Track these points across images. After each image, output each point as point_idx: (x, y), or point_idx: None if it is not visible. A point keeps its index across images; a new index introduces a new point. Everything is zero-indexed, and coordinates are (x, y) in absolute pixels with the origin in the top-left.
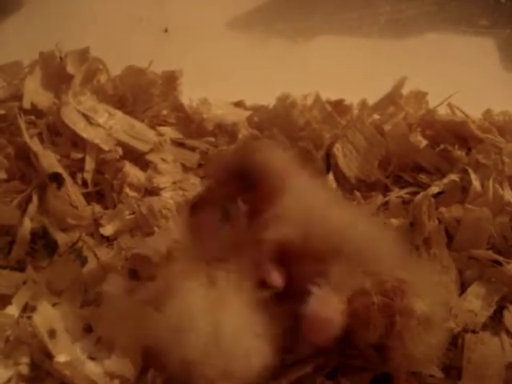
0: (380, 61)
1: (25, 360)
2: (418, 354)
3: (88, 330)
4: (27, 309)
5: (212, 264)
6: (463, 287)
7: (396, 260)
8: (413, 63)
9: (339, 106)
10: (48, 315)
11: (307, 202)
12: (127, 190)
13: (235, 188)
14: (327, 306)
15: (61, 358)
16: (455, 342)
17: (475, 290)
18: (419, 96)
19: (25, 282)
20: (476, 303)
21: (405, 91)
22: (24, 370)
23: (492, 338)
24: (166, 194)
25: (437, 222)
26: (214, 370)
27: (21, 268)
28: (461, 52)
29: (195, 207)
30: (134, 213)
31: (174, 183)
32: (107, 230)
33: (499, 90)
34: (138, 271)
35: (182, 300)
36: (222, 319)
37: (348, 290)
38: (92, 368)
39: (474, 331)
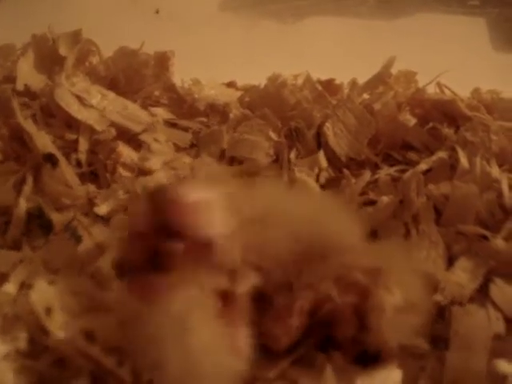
0: (370, 40)
1: (23, 336)
2: (398, 337)
3: (84, 307)
4: (24, 286)
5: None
6: (451, 261)
7: (365, 249)
8: (403, 43)
9: (330, 86)
10: (44, 293)
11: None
12: (120, 169)
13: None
14: (282, 324)
15: (58, 335)
16: (443, 314)
17: (462, 263)
18: (408, 75)
19: (21, 261)
20: (463, 276)
21: (394, 71)
22: (22, 345)
23: (478, 310)
24: (159, 174)
25: (425, 198)
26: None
27: (17, 247)
28: (451, 31)
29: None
30: (128, 192)
31: (166, 163)
32: (101, 209)
33: (488, 69)
34: None
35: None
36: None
37: (313, 295)
38: (87, 344)
39: (460, 303)
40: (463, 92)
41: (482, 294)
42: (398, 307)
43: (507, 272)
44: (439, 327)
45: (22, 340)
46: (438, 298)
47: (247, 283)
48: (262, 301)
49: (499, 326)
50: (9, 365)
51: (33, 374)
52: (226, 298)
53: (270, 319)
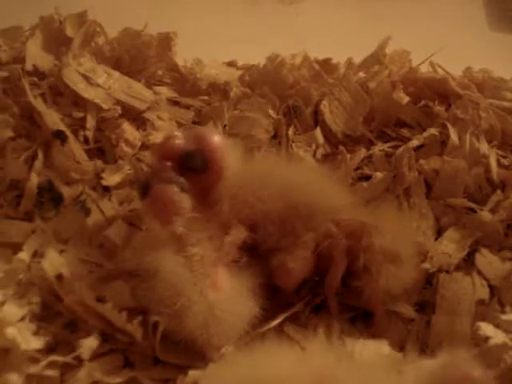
0: (366, 21)
1: (36, 300)
2: (388, 287)
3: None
4: (37, 255)
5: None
6: (440, 233)
7: (354, 207)
8: (398, 22)
9: (326, 65)
10: (55, 261)
11: (251, 173)
12: (123, 145)
13: (178, 168)
14: (292, 257)
15: (71, 297)
16: (430, 282)
17: (450, 234)
18: (403, 55)
19: (34, 232)
20: (451, 246)
21: (389, 50)
22: (36, 309)
23: (464, 278)
24: None
25: (417, 173)
26: (208, 335)
27: (29, 219)
28: (446, 11)
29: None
30: (134, 166)
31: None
32: (109, 183)
33: (484, 48)
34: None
35: (167, 272)
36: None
37: (312, 239)
38: (99, 305)
39: (447, 271)
40: (457, 71)
41: (468, 263)
42: (389, 253)
43: (492, 242)
44: (427, 293)
45: (35, 304)
46: (427, 266)
47: (236, 235)
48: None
49: (484, 292)
50: (25, 326)
51: (47, 336)
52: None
53: (282, 256)
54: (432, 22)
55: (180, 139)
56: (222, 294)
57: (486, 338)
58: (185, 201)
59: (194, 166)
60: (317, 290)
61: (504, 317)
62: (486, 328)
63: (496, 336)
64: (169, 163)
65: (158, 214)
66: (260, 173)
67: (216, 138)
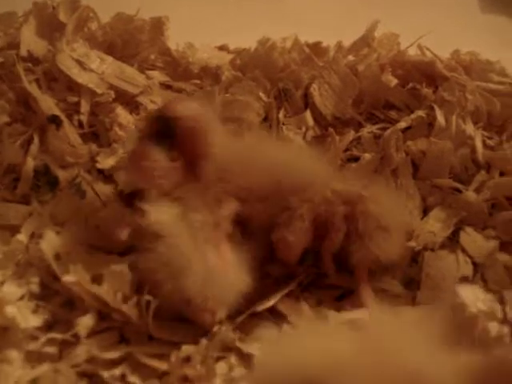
0: (356, 5)
1: (35, 280)
2: (377, 254)
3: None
4: (34, 237)
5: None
6: (426, 212)
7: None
8: (388, 5)
9: (317, 49)
10: (53, 242)
11: (239, 148)
12: (117, 129)
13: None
14: (291, 230)
15: (68, 278)
16: (416, 259)
17: (436, 214)
18: (391, 38)
19: (31, 214)
20: (436, 225)
21: (378, 33)
22: (35, 288)
23: (449, 255)
24: None
25: (404, 154)
26: (204, 298)
27: (26, 202)
28: None
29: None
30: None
31: None
32: (103, 166)
33: (475, 30)
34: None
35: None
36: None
37: (308, 210)
38: (95, 287)
39: (432, 249)
40: (446, 53)
41: (453, 241)
42: (382, 222)
43: (477, 221)
44: (412, 271)
45: (34, 284)
46: (412, 244)
47: (229, 208)
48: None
49: (467, 269)
50: (24, 304)
51: (46, 314)
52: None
53: (281, 231)
54: (423, 4)
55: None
56: (221, 261)
57: (464, 305)
58: (165, 158)
59: (162, 130)
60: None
61: None
62: (463, 295)
63: (473, 305)
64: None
65: (139, 171)
66: (249, 149)
67: (188, 109)
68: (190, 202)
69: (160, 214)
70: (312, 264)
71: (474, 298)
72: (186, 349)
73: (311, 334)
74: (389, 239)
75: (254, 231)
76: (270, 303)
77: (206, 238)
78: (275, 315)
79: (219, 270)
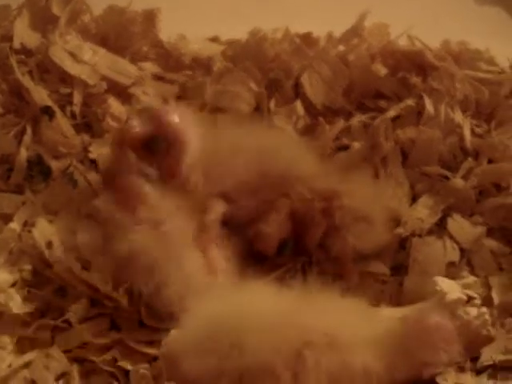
0: None
1: (27, 267)
2: (357, 245)
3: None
4: (27, 225)
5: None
6: (415, 199)
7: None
8: None
9: (307, 39)
10: (45, 230)
11: (222, 147)
12: (109, 119)
13: (142, 153)
14: (267, 223)
15: (60, 266)
16: (404, 246)
17: (424, 200)
18: (381, 28)
19: (24, 203)
20: (424, 212)
21: (368, 23)
22: (27, 275)
23: (436, 241)
24: None
25: (393, 142)
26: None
27: (19, 191)
28: None
29: (110, 177)
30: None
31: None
32: (96, 156)
33: (469, 20)
34: None
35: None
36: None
37: (284, 204)
38: (85, 274)
39: (420, 235)
40: (436, 43)
41: (440, 228)
42: (359, 214)
43: (464, 208)
44: (400, 257)
45: (26, 271)
46: (400, 230)
47: (217, 211)
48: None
49: (454, 255)
50: (16, 291)
51: (38, 301)
52: (200, 226)
53: (257, 224)
54: None
55: (137, 124)
56: (208, 265)
57: (443, 293)
58: (149, 190)
59: (157, 150)
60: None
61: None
62: (442, 283)
63: (452, 291)
64: (130, 151)
65: (122, 203)
66: (230, 144)
67: (174, 118)
68: (169, 209)
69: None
70: (291, 254)
71: (451, 288)
72: (174, 333)
73: (231, 295)
74: (369, 229)
75: (239, 226)
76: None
77: (188, 244)
78: None
79: (204, 275)
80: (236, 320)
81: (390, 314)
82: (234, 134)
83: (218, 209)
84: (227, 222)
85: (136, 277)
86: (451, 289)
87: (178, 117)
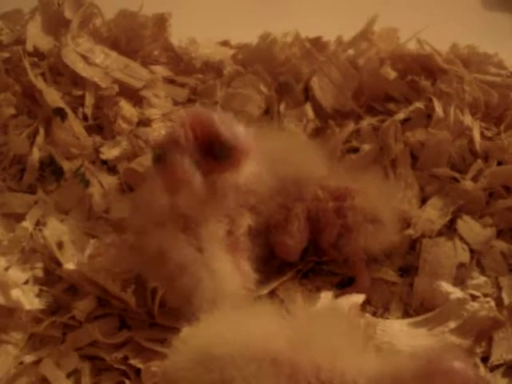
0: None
1: (39, 266)
2: (367, 246)
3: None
4: (39, 224)
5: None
6: (424, 201)
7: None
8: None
9: (317, 43)
10: (56, 229)
11: None
12: (120, 121)
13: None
14: (289, 234)
15: (69, 266)
16: (414, 247)
17: (434, 202)
18: (390, 32)
19: (36, 203)
20: (434, 213)
21: (378, 28)
22: (39, 274)
23: (446, 242)
24: (158, 125)
25: (403, 145)
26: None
27: (32, 191)
28: None
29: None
30: (131, 142)
31: (165, 115)
32: (107, 156)
33: (476, 26)
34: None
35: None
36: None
37: (302, 209)
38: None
39: (430, 237)
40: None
41: (450, 229)
42: (370, 215)
43: (474, 209)
44: (410, 258)
45: (38, 269)
46: (410, 232)
47: (245, 225)
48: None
49: (464, 256)
50: (28, 288)
51: (49, 299)
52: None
53: (280, 235)
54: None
55: (217, 122)
56: (227, 270)
57: (447, 294)
58: (196, 176)
59: (218, 156)
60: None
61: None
62: (445, 285)
63: (455, 292)
64: (192, 138)
65: (169, 183)
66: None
67: (249, 137)
68: (200, 216)
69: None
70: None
71: (455, 289)
72: (186, 330)
73: (227, 321)
74: (379, 230)
75: (256, 231)
76: (269, 289)
77: (218, 248)
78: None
79: (233, 278)
80: (229, 351)
81: (397, 335)
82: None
83: (246, 222)
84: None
85: (163, 275)
86: (454, 290)
87: (250, 139)
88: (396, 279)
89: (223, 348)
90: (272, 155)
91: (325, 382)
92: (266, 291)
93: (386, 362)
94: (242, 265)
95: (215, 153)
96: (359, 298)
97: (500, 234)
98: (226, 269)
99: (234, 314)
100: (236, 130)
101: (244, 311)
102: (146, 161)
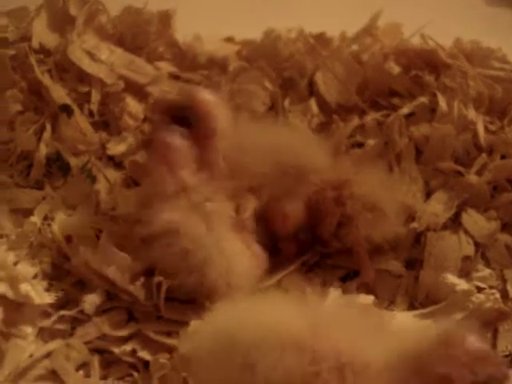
0: None
1: (48, 260)
2: (368, 235)
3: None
4: (47, 219)
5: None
6: (429, 195)
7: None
8: None
9: (321, 39)
10: (64, 224)
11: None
12: (126, 117)
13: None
14: (287, 202)
15: (78, 259)
16: (419, 240)
17: (438, 196)
18: (394, 27)
19: (44, 198)
20: (438, 207)
21: (381, 23)
22: (47, 268)
23: (451, 236)
24: None
25: (407, 139)
26: (218, 279)
27: (39, 187)
28: None
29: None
30: (137, 138)
31: None
32: (113, 152)
33: (479, 22)
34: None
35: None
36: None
37: (303, 192)
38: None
39: (435, 230)
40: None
41: (455, 223)
42: (369, 203)
43: (479, 203)
44: (415, 251)
45: (46, 264)
46: (415, 225)
47: (250, 208)
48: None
49: (469, 249)
50: (37, 283)
51: (57, 292)
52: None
53: (277, 204)
54: None
55: (173, 95)
56: (238, 247)
57: (453, 286)
58: (187, 146)
59: (187, 119)
60: (311, 249)
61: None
62: (451, 277)
63: (461, 284)
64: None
65: (163, 160)
66: (253, 138)
67: (206, 95)
68: (205, 193)
69: (173, 211)
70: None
71: (460, 281)
72: (195, 323)
73: (249, 306)
74: (379, 218)
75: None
76: (274, 280)
77: (226, 226)
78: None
79: (244, 255)
80: (252, 337)
81: (405, 324)
82: (253, 131)
83: (251, 205)
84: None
85: (171, 257)
86: (460, 282)
87: (209, 95)
88: (402, 271)
89: (246, 333)
90: (275, 147)
91: (346, 367)
92: (271, 282)
93: (402, 347)
94: (252, 246)
95: (183, 119)
96: (367, 298)
97: (504, 227)
98: (236, 248)
99: (253, 299)
100: (193, 94)
101: (262, 297)
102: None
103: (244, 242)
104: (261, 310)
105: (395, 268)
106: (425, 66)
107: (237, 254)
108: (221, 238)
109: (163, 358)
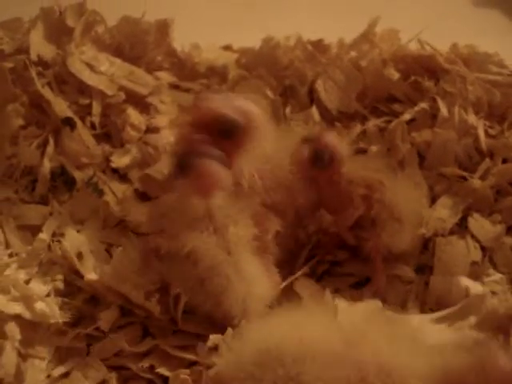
0: (355, 2)
1: (59, 277)
2: (388, 243)
3: (110, 251)
4: (56, 235)
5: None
6: (434, 200)
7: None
8: (385, 2)
9: (319, 46)
10: (75, 240)
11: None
12: (129, 129)
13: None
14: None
15: (91, 276)
16: (427, 246)
17: (443, 201)
18: (392, 33)
19: (51, 214)
20: (444, 212)
21: (379, 29)
22: (59, 285)
23: (459, 241)
24: (166, 131)
25: (409, 145)
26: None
27: (44, 203)
28: None
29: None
30: (140, 150)
31: (172, 121)
32: (118, 165)
33: (471, 24)
34: (147, 193)
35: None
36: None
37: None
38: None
39: (443, 235)
40: (444, 47)
41: (462, 227)
42: (396, 213)
43: (483, 207)
44: (424, 257)
45: (59, 281)
46: (423, 231)
47: (273, 229)
48: None
49: (476, 254)
50: (52, 301)
51: (71, 311)
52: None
53: None
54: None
55: (214, 103)
56: (258, 271)
57: (467, 289)
58: (227, 175)
59: (226, 136)
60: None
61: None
62: (465, 280)
63: (475, 287)
64: (202, 133)
65: (201, 189)
66: (283, 149)
67: (257, 109)
68: (230, 214)
69: (196, 236)
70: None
71: (475, 285)
72: (214, 338)
73: (288, 319)
74: (401, 230)
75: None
76: (285, 283)
77: (248, 249)
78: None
79: (262, 279)
80: (296, 350)
81: (441, 336)
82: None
83: (274, 227)
84: None
85: (193, 278)
86: (474, 285)
87: (256, 109)
88: (412, 277)
89: (290, 347)
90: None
91: (388, 377)
92: (281, 286)
93: (433, 360)
94: (270, 268)
95: (224, 135)
96: (375, 304)
97: (509, 231)
98: (256, 271)
99: (289, 313)
100: (234, 106)
101: (296, 310)
102: (162, 167)
103: (264, 264)
104: (301, 323)
105: (405, 273)
106: (423, 71)
107: (255, 278)
108: (241, 261)
109: (183, 374)
